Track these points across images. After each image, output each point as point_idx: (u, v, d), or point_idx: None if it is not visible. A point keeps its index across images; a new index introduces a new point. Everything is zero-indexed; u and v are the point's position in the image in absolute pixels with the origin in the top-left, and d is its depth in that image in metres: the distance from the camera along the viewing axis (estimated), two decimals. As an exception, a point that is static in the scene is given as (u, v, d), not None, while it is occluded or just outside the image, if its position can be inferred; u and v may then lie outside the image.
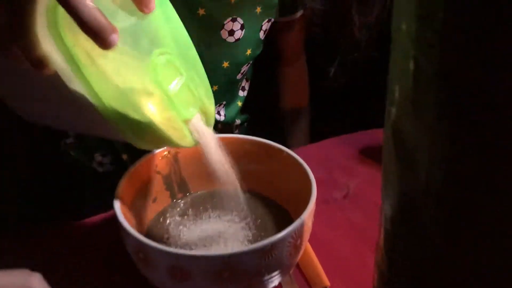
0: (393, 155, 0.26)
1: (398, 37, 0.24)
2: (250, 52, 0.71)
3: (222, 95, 0.75)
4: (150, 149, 0.43)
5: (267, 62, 0.84)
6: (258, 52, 0.74)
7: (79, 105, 0.37)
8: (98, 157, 0.75)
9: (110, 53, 0.35)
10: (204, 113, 0.45)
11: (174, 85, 0.42)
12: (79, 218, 0.57)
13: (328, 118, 0.93)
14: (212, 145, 0.44)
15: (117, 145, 0.72)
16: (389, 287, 0.31)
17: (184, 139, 0.42)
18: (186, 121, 0.43)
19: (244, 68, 0.74)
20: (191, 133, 0.43)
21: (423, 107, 0.22)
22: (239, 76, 0.75)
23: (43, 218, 0.56)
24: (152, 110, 0.39)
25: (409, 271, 0.29)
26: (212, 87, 0.73)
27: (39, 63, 0.34)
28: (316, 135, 0.79)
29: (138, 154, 0.50)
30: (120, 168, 0.48)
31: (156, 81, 0.40)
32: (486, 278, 0.24)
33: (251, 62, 0.75)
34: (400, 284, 0.30)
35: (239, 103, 0.82)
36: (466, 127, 0.21)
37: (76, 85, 0.36)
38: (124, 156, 0.73)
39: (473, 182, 0.22)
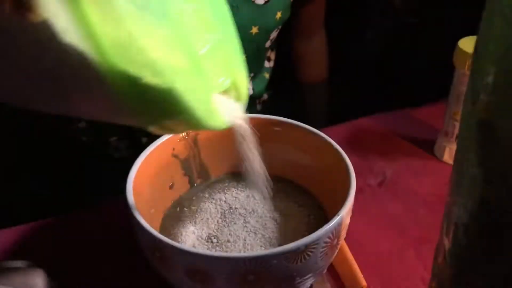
0: (477, 155, 0.20)
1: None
2: (280, 15, 0.65)
3: (250, 66, 0.69)
4: (159, 133, 0.34)
5: (285, 35, 0.78)
6: (287, 16, 0.67)
7: (72, 70, 0.28)
8: (113, 141, 0.70)
9: None
10: (235, 87, 0.35)
11: (203, 44, 0.32)
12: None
13: (355, 95, 0.86)
14: (247, 136, 0.36)
15: (135, 128, 0.67)
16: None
17: (212, 118, 0.32)
18: (214, 95, 0.33)
19: (273, 35, 0.68)
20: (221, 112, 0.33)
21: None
22: (267, 44, 0.69)
23: (55, 208, 0.53)
24: (174, 73, 0.29)
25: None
26: None
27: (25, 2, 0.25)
28: (339, 114, 0.73)
29: (159, 137, 0.44)
30: (138, 153, 0.42)
31: (181, 36, 0.29)
32: None
33: (280, 27, 0.68)
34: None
35: (266, 75, 0.76)
36: None
37: (73, 36, 0.26)
38: (144, 140, 0.68)
39: None
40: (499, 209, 0.20)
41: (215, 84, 0.33)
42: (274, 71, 0.78)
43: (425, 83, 0.78)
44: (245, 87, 0.36)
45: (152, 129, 0.32)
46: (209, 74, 0.32)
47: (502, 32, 0.18)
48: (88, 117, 0.36)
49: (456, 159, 0.23)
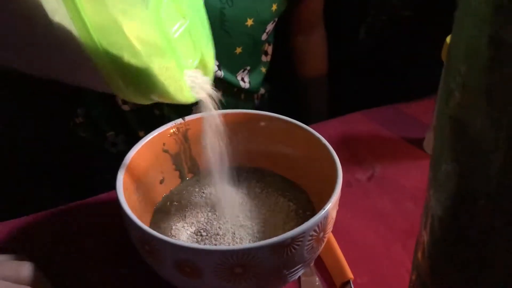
0: (451, 151, 0.21)
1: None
2: (275, 7, 0.65)
3: (246, 59, 0.70)
4: (139, 102, 0.38)
5: (284, 31, 0.78)
6: (283, 8, 0.68)
7: (61, 44, 0.32)
8: (111, 136, 0.71)
9: None
10: (203, 66, 0.40)
11: (176, 29, 0.36)
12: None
13: (351, 90, 0.87)
14: (210, 105, 0.40)
15: (132, 122, 0.68)
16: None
17: (182, 93, 0.37)
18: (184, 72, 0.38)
19: (269, 27, 0.68)
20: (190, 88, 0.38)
21: (503, 97, 0.17)
22: (264, 37, 0.69)
23: (52, 203, 0.53)
24: (150, 55, 0.33)
25: (454, 282, 0.25)
26: (235, 48, 0.68)
27: None
28: (337, 109, 0.74)
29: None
30: None
31: (157, 21, 0.34)
32: None
33: (276, 20, 0.69)
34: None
35: (263, 69, 0.76)
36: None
37: (62, 17, 0.30)
38: (141, 134, 0.69)
39: None
40: (471, 202, 0.21)
41: (185, 63, 0.37)
42: (271, 66, 0.78)
43: (423, 79, 0.78)
44: (211, 64, 0.41)
45: (125, 95, 0.36)
46: (181, 55, 0.36)
47: (471, 32, 0.18)
48: (76, 84, 0.41)
49: (432, 154, 0.24)
